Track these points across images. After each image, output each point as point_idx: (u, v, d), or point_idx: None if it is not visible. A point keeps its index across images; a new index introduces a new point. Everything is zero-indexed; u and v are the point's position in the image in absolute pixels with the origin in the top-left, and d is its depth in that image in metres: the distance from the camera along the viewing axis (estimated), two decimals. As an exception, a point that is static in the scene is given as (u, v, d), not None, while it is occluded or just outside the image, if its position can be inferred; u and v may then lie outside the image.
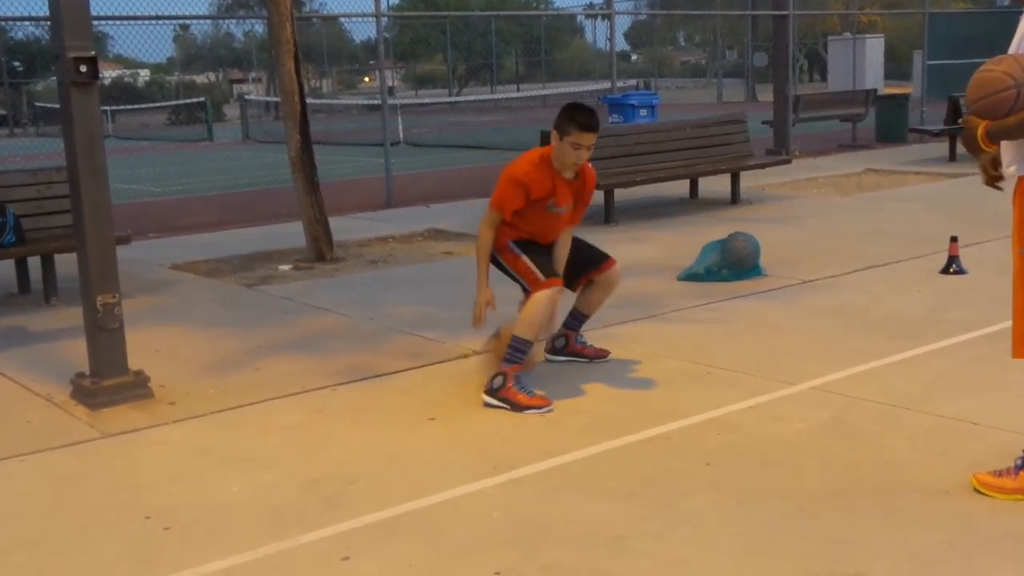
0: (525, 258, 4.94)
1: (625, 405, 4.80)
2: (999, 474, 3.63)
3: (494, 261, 5.05)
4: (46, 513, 3.83)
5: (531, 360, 4.98)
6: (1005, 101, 3.32)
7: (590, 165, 5.09)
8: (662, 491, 3.80)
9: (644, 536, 3.44)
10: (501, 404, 4.77)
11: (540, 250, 5.02)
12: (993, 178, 3.66)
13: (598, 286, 5.30)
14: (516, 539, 3.45)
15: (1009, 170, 3.52)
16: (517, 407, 4.73)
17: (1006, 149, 3.52)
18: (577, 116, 4.82)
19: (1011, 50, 3.45)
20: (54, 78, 5.09)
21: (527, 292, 4.96)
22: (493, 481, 3.94)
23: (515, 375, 4.81)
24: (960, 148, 3.81)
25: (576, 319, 5.44)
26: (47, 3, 4.97)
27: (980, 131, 3.46)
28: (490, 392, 4.82)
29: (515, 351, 4.84)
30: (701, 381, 5.11)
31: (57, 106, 5.14)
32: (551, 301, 4.86)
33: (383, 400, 5.01)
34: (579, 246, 5.25)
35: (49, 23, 5.07)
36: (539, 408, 4.72)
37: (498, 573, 3.22)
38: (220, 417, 4.84)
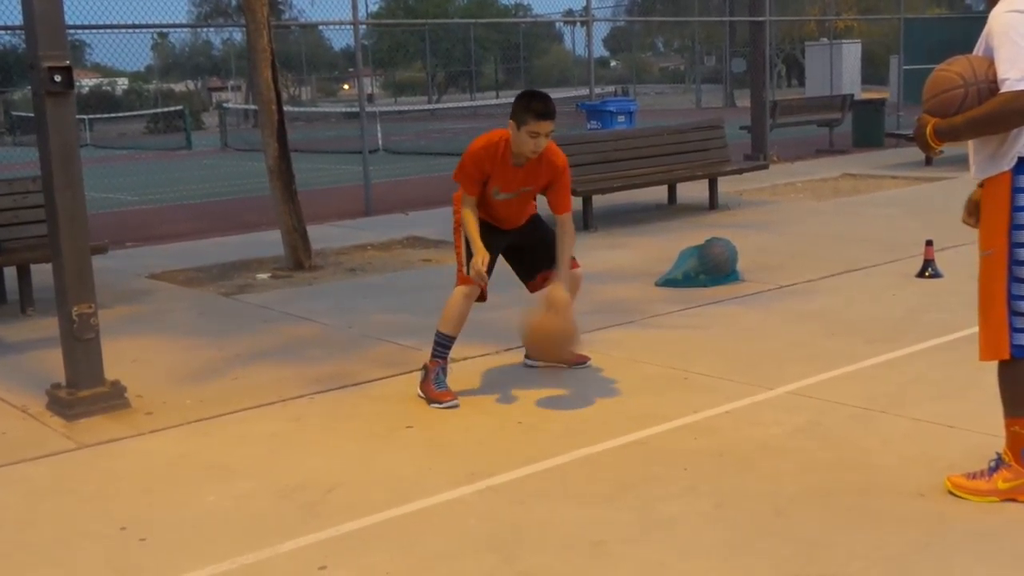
0: (464, 248, 4.99)
1: (603, 411, 4.81)
2: (973, 476, 3.66)
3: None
4: (22, 524, 3.81)
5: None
6: (954, 100, 3.44)
7: (556, 147, 4.98)
8: (640, 496, 3.82)
9: (623, 541, 3.45)
10: (423, 395, 5.03)
11: (495, 239, 5.02)
12: (929, 146, 3.64)
13: None
14: (494, 545, 3.45)
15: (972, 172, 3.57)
16: (428, 400, 4.98)
17: (972, 154, 3.57)
18: (533, 104, 4.76)
19: (975, 52, 3.50)
20: (30, 87, 5.06)
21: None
22: (471, 488, 3.94)
23: (435, 370, 5.01)
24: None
25: None
26: (22, 12, 4.95)
27: (929, 128, 3.55)
28: (419, 384, 5.10)
29: (438, 346, 5.06)
30: (678, 386, 5.12)
31: (34, 115, 5.13)
32: (466, 298, 4.98)
33: (361, 408, 5.00)
34: (543, 242, 5.19)
35: (24, 32, 5.05)
36: (443, 403, 4.92)
37: (476, 580, 3.23)
38: (197, 427, 4.82)
